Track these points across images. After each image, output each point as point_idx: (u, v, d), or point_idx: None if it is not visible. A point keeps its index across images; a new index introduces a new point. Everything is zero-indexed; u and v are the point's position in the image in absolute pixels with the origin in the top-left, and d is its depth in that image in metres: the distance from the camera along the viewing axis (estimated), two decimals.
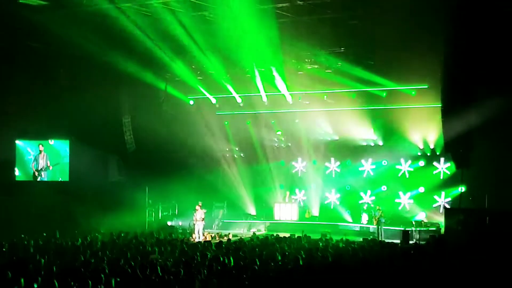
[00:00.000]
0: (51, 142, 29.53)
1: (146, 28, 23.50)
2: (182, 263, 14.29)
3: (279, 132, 33.78)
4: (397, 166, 31.02)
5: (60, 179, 29.36)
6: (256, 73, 28.65)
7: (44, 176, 29.11)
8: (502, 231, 20.18)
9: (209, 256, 15.68)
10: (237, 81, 30.22)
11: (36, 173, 29.03)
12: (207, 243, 20.81)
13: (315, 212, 32.88)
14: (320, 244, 20.62)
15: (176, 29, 23.37)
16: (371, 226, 29.20)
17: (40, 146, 29.18)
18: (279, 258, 15.70)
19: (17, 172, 29.62)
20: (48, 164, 29.00)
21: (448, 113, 20.67)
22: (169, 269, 13.54)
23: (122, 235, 22.45)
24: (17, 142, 29.52)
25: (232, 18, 21.78)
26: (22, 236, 21.23)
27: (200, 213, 27.24)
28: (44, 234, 22.17)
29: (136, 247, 18.70)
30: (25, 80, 27.11)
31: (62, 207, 27.07)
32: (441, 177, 29.71)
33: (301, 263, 14.68)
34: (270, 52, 25.78)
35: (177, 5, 21.58)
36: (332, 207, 32.79)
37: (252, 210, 33.32)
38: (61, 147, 29.55)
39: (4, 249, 18.23)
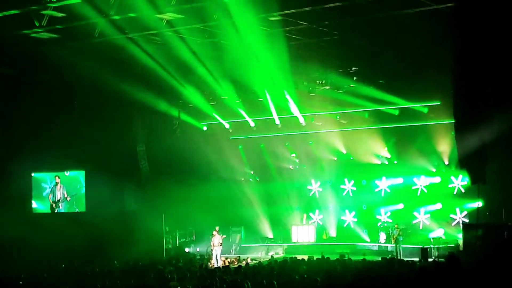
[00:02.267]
0: (67, 173, 29.73)
1: (158, 57, 23.73)
2: None
3: (293, 154, 33.85)
4: (413, 183, 30.95)
5: (77, 210, 29.49)
6: (268, 96, 28.77)
7: (62, 208, 29.23)
8: None
9: (227, 281, 15.67)
10: (250, 105, 30.37)
11: (54, 205, 29.18)
12: (225, 268, 20.81)
13: (333, 233, 32.82)
14: (339, 265, 20.54)
15: (187, 56, 23.56)
16: (389, 245, 29.07)
17: (57, 178, 29.38)
18: (298, 280, 15.66)
19: (34, 204, 29.80)
20: (66, 195, 29.16)
21: (461, 128, 20.57)
22: None
23: (140, 263, 22.47)
24: (33, 174, 29.74)
25: (242, 43, 21.93)
26: (41, 267, 21.32)
27: (217, 238, 27.25)
28: (63, 266, 22.25)
29: (155, 275, 18.70)
30: (39, 112, 27.37)
31: (80, 238, 27.14)
32: (458, 193, 29.59)
33: (319, 285, 14.63)
34: (281, 75, 25.91)
35: (187, 33, 21.81)
36: (349, 227, 32.70)
37: (269, 234, 33.28)
38: (77, 178, 29.73)
39: (21, 282, 18.32)
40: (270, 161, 33.94)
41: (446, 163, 29.67)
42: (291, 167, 34.34)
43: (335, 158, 32.83)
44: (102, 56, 23.17)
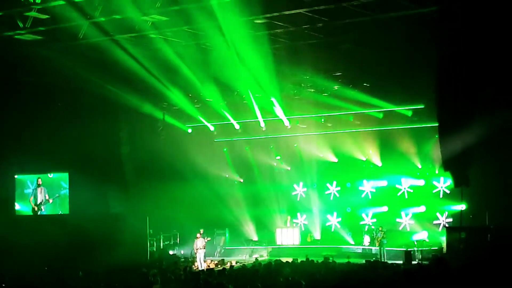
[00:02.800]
0: (50, 175, 29.51)
1: (143, 59, 23.65)
2: None
3: (278, 157, 33.85)
4: (397, 186, 31.08)
5: (60, 212, 29.29)
6: (253, 99, 28.75)
7: (44, 210, 28.99)
8: (504, 248, 20.16)
9: (212, 284, 15.63)
10: (235, 107, 30.34)
11: (36, 208, 28.89)
12: (209, 270, 20.76)
13: (317, 235, 32.88)
14: (323, 267, 20.56)
15: (172, 58, 23.51)
16: (373, 248, 29.20)
17: (39, 180, 29.09)
18: (282, 283, 15.65)
19: (18, 206, 29.55)
20: (47, 197, 28.90)
21: (445, 131, 20.71)
22: None
23: (124, 265, 22.36)
24: (17, 176, 29.50)
25: (227, 46, 21.93)
26: (24, 269, 21.18)
27: (200, 241, 27.25)
28: (45, 268, 22.11)
29: (138, 278, 18.62)
30: (23, 114, 27.18)
31: (63, 240, 26.96)
32: (441, 196, 29.76)
33: (304, 285, 14.63)
34: (266, 77, 25.91)
35: (172, 35, 21.76)
36: (333, 230, 32.79)
37: (254, 236, 33.28)
38: (60, 180, 29.51)
39: (3, 284, 18.20)
40: (255, 164, 33.92)
41: (430, 166, 29.84)
42: (276, 169, 34.32)
43: (320, 161, 32.87)
44: (86, 58, 23.06)
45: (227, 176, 34.60)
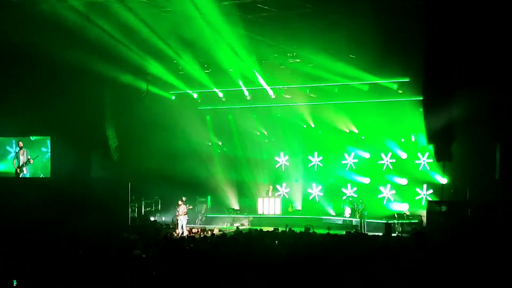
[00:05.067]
0: (32, 138, 29.34)
1: (119, 31, 23.50)
2: (165, 258, 14.26)
3: (262, 129, 33.75)
4: (380, 158, 31.18)
5: (41, 176, 29.17)
6: (237, 68, 28.62)
7: (26, 172, 28.85)
8: (484, 223, 20.36)
9: (193, 250, 15.65)
10: (219, 76, 30.13)
11: (18, 170, 28.77)
12: (191, 238, 20.79)
13: (298, 206, 32.99)
14: (303, 237, 20.64)
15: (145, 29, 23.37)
16: (354, 219, 29.35)
17: (20, 143, 28.92)
18: (263, 251, 15.70)
19: None
20: (29, 158, 28.72)
21: (429, 105, 20.76)
22: (153, 264, 13.51)
23: (104, 230, 22.31)
24: None
25: (211, 13, 21.72)
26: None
27: (182, 208, 27.31)
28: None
29: (119, 243, 18.60)
30: (6, 77, 26.90)
31: (44, 204, 26.82)
32: (423, 170, 29.90)
33: (284, 255, 14.69)
34: (251, 46, 25.73)
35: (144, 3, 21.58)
36: (315, 201, 32.91)
37: (235, 205, 33.34)
38: (42, 142, 29.35)
39: None
40: (238, 133, 33.85)
41: (413, 139, 29.92)
42: (259, 139, 34.24)
43: (303, 132, 32.86)
44: (68, 27, 22.82)
45: (210, 144, 34.49)
